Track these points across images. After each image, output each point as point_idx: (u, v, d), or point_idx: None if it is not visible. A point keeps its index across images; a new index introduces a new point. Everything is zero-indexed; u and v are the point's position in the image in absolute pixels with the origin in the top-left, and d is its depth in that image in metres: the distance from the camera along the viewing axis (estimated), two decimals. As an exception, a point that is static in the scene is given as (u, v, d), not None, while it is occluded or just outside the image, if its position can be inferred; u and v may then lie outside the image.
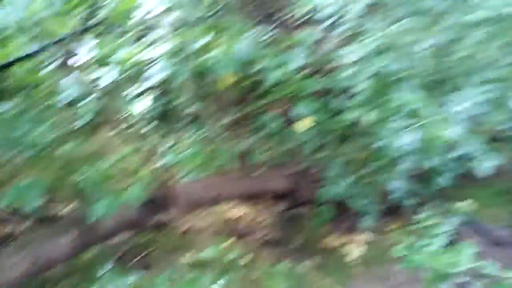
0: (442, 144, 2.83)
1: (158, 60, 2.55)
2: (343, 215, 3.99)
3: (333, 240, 4.03)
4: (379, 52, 2.63)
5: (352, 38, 2.78)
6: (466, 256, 2.70)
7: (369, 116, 2.77)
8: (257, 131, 3.22)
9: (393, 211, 3.98)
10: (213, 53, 2.57)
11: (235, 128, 3.27)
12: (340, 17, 2.75)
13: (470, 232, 3.91)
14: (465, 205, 3.57)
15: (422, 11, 2.51)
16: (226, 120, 3.09)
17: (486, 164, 2.96)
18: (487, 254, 3.62)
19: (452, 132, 2.80)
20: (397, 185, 3.36)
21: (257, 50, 2.71)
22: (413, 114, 2.77)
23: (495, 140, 3.34)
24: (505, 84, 2.71)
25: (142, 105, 2.83)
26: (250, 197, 3.80)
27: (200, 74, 2.69)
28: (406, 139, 2.80)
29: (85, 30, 2.50)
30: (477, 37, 2.46)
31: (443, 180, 3.50)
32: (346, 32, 2.82)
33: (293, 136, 3.27)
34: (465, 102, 2.77)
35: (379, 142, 2.92)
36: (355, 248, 3.96)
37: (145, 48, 2.68)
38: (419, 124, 2.77)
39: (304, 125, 3.13)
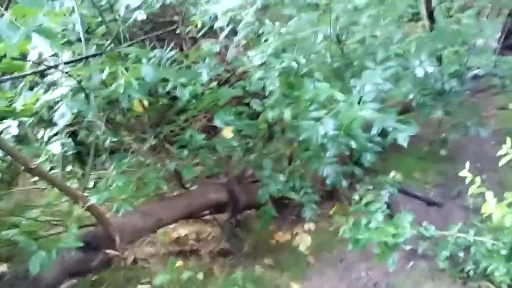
0: (359, 124, 2.94)
1: (62, 100, 2.46)
2: (286, 210, 4.08)
3: (281, 236, 4.11)
4: (281, 50, 2.70)
5: (253, 42, 2.83)
6: (406, 224, 2.83)
7: (286, 113, 2.83)
8: (183, 147, 3.19)
9: (331, 195, 4.13)
10: (118, 81, 2.51)
11: (160, 149, 3.22)
12: (238, 23, 2.80)
13: (405, 199, 4.14)
14: (394, 175, 3.74)
15: (310, 6, 2.61)
16: (148, 144, 3.04)
17: (402, 135, 3.12)
18: (424, 216, 3.86)
19: (365, 112, 2.93)
20: (328, 170, 3.45)
21: (163, 69, 2.69)
22: (327, 102, 2.87)
23: (407, 111, 3.54)
24: (403, 58, 2.87)
25: (57, 147, 2.72)
26: (192, 214, 3.77)
27: (111, 105, 2.63)
28: (326, 127, 2.89)
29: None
30: (365, 20, 2.60)
31: (370, 157, 3.65)
32: (246, 37, 2.86)
33: (220, 145, 3.29)
34: (371, 81, 2.91)
35: (302, 135, 3.00)
36: (304, 239, 4.06)
37: (46, 90, 2.59)
38: (334, 111, 2.87)
39: (228, 132, 3.16)
